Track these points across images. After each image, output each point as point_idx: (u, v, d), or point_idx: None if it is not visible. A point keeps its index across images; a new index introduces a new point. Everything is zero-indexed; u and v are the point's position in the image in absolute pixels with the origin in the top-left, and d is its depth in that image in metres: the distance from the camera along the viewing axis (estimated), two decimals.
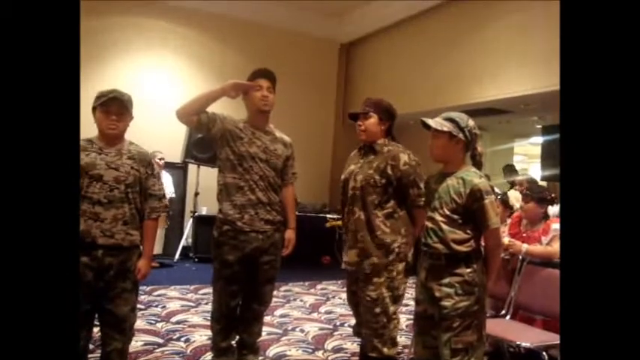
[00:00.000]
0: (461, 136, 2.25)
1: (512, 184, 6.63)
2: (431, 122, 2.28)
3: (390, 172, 2.70)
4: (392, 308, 2.72)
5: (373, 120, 2.80)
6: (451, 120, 2.28)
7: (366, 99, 2.89)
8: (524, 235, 3.43)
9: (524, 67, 5.73)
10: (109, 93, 2.33)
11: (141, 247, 2.46)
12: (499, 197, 4.41)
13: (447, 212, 2.24)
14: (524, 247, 3.20)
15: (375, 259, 2.71)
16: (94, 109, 2.36)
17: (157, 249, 6.34)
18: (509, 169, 7.34)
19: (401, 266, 2.73)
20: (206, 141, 2.67)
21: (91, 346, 2.70)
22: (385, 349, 2.71)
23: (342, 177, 2.92)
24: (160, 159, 6.30)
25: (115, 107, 2.34)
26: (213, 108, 2.82)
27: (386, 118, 2.83)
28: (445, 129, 2.25)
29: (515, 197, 5.00)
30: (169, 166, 6.54)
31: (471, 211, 2.22)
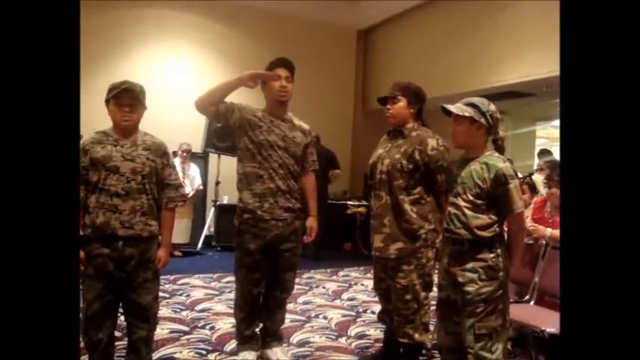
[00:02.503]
0: (482, 121, 2.23)
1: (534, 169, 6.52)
2: (452, 108, 2.26)
3: (417, 156, 2.68)
4: (423, 294, 2.72)
5: (402, 104, 2.78)
6: (472, 105, 2.25)
7: (394, 83, 2.86)
8: (549, 220, 3.38)
9: (546, 48, 5.59)
10: (121, 85, 2.33)
11: (160, 237, 2.49)
12: (526, 181, 4.35)
13: (471, 197, 2.22)
14: (548, 231, 3.16)
15: (401, 244, 2.70)
16: (107, 101, 2.36)
17: (183, 239, 6.42)
18: (544, 153, 7.20)
19: (431, 253, 2.71)
20: (226, 130, 2.70)
21: (118, 334, 2.76)
22: (416, 335, 2.71)
23: (370, 161, 2.90)
24: (186, 151, 6.36)
25: (128, 99, 2.34)
26: (232, 98, 2.83)
27: (415, 102, 2.80)
28: (466, 114, 2.22)
29: (538, 181, 4.92)
30: (191, 155, 6.59)
31: (495, 196, 2.20)
